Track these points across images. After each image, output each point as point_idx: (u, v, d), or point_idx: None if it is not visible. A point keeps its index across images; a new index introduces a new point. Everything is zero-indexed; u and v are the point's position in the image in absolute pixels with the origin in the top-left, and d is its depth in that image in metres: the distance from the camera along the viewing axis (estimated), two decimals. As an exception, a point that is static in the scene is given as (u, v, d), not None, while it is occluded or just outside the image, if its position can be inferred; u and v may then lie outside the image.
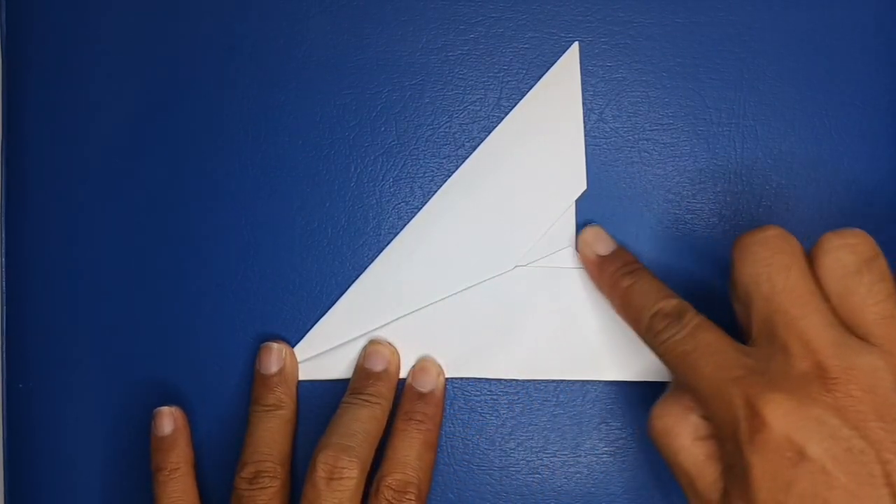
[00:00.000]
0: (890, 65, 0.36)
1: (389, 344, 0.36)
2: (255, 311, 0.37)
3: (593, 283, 0.35)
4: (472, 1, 0.36)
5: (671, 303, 0.31)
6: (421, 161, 0.37)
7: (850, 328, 0.28)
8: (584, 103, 0.36)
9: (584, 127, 0.36)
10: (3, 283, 0.38)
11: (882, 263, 0.29)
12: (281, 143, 0.37)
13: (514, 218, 0.36)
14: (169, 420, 0.36)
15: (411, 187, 0.36)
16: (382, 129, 0.37)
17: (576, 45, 0.36)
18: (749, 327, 0.30)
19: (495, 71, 0.36)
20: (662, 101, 0.36)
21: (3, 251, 0.38)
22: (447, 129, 0.37)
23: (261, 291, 0.36)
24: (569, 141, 0.36)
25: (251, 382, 0.36)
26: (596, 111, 0.36)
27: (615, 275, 0.33)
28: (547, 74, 0.36)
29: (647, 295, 0.32)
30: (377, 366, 0.35)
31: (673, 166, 0.36)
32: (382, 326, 0.36)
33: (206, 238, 0.37)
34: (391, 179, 0.37)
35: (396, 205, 0.36)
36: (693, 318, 0.30)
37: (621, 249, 0.35)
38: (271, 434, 0.35)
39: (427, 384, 0.35)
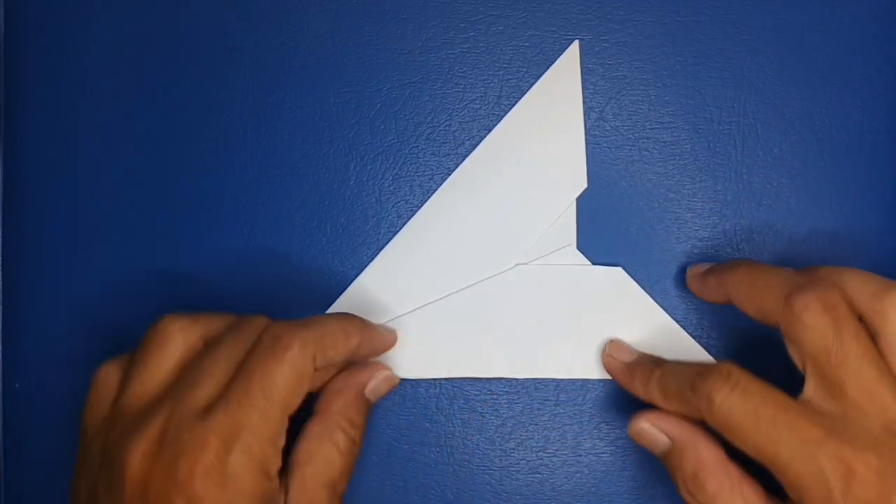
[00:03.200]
0: (890, 65, 0.36)
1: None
2: (254, 310, 0.36)
3: (625, 390, 0.34)
4: None
5: (709, 366, 0.30)
6: (421, 159, 0.36)
7: None
8: (584, 102, 0.36)
9: (585, 125, 0.36)
10: (0, 282, 0.37)
11: None
12: (280, 142, 0.37)
13: (515, 216, 0.36)
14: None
15: (411, 186, 0.36)
16: (382, 127, 0.36)
17: (576, 44, 0.36)
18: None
19: (495, 69, 0.36)
20: (663, 99, 0.36)
21: (0, 250, 0.37)
22: (447, 128, 0.36)
23: (260, 291, 0.36)
24: (569, 139, 0.36)
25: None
26: (596, 109, 0.36)
27: (645, 371, 0.33)
28: (547, 73, 0.36)
29: (681, 370, 0.32)
30: None
31: (673, 165, 0.36)
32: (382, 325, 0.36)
33: (205, 237, 0.36)
34: (391, 178, 0.36)
35: (396, 203, 0.36)
36: (740, 376, 0.30)
37: (644, 355, 0.35)
38: None
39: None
